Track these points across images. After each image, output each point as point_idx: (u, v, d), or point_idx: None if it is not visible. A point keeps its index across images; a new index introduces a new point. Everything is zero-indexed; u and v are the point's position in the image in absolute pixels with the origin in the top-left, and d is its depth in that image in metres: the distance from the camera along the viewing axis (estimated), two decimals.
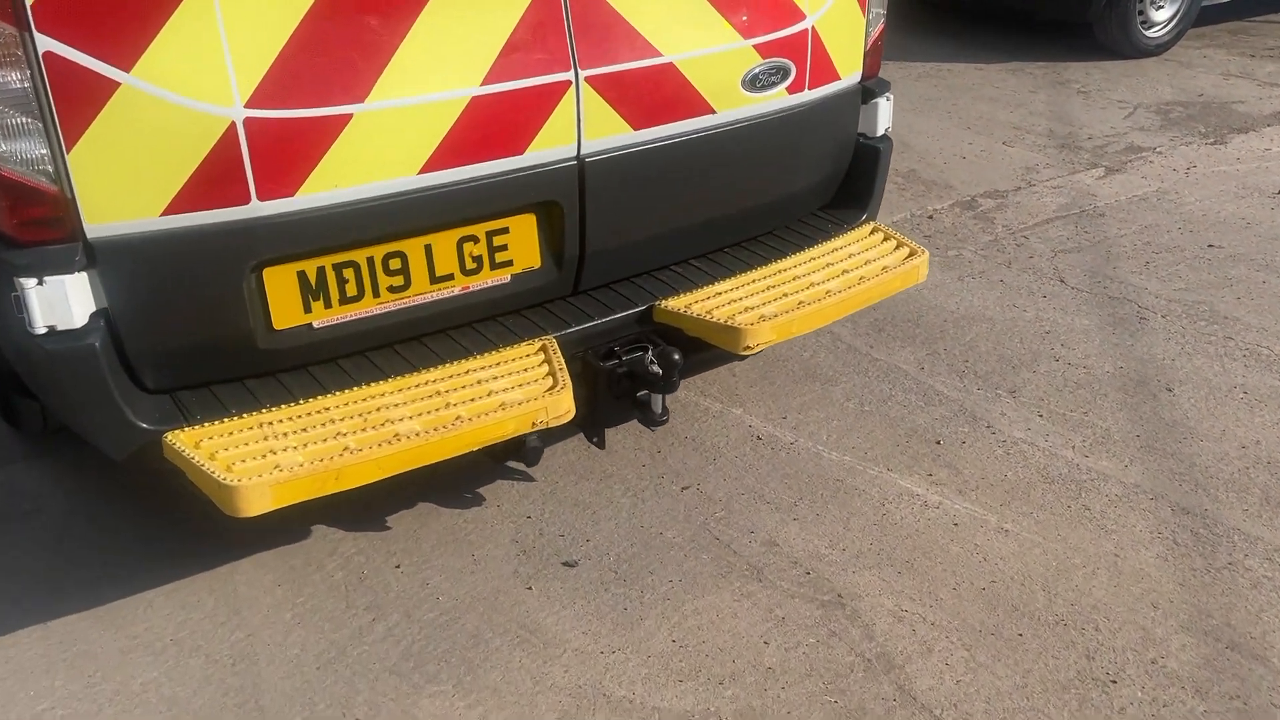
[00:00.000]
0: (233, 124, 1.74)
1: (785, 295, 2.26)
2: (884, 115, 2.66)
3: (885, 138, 2.69)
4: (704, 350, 2.22)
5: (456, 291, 2.10)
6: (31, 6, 1.58)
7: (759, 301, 2.23)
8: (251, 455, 1.77)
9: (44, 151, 1.66)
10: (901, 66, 5.96)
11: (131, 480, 2.51)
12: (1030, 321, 3.28)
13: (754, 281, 2.31)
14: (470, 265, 2.09)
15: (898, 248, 2.50)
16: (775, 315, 2.17)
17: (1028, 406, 2.83)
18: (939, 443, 2.68)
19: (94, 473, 2.58)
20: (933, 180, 4.41)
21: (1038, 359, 3.07)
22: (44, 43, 1.60)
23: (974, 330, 3.23)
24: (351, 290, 1.98)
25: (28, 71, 1.61)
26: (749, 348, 2.16)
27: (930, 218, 4.06)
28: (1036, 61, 6.07)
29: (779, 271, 2.37)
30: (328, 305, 1.97)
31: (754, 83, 2.28)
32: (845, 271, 2.36)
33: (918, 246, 2.48)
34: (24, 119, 1.64)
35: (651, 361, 2.15)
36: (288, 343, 1.96)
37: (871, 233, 2.58)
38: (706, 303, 2.23)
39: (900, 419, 2.78)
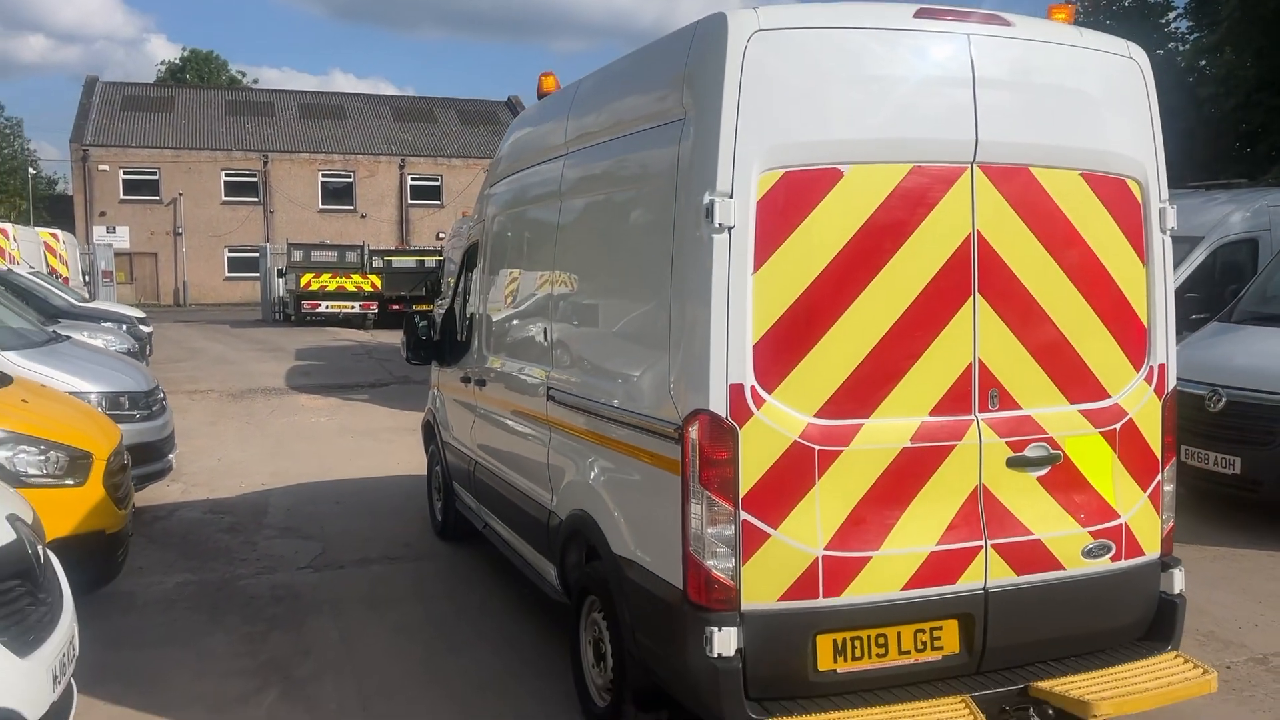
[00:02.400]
0: (817, 558, 3.49)
1: (1119, 686, 3.59)
2: (1178, 580, 4.05)
3: (1181, 595, 4.06)
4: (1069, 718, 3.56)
5: (911, 661, 3.62)
6: (741, 497, 3.46)
7: (1102, 688, 3.57)
8: None
9: (731, 565, 3.46)
10: (1197, 549, 7.12)
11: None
12: None
13: (1099, 677, 3.67)
14: (920, 646, 3.62)
15: (1194, 667, 3.78)
16: (1113, 697, 3.51)
17: None
18: None
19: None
20: (1228, 640, 5.48)
21: None
22: (744, 515, 3.46)
23: None
24: (857, 653, 3.56)
25: (733, 529, 3.46)
26: (1095, 715, 3.48)
27: (1228, 667, 5.12)
28: None
29: (1114, 674, 3.71)
30: (845, 660, 3.55)
31: (1089, 553, 3.81)
32: (1158, 676, 3.67)
33: (1209, 667, 3.75)
34: (727, 550, 3.46)
35: (1034, 717, 3.52)
36: (824, 679, 3.53)
37: (1175, 657, 3.87)
38: (1067, 686, 3.59)
39: None
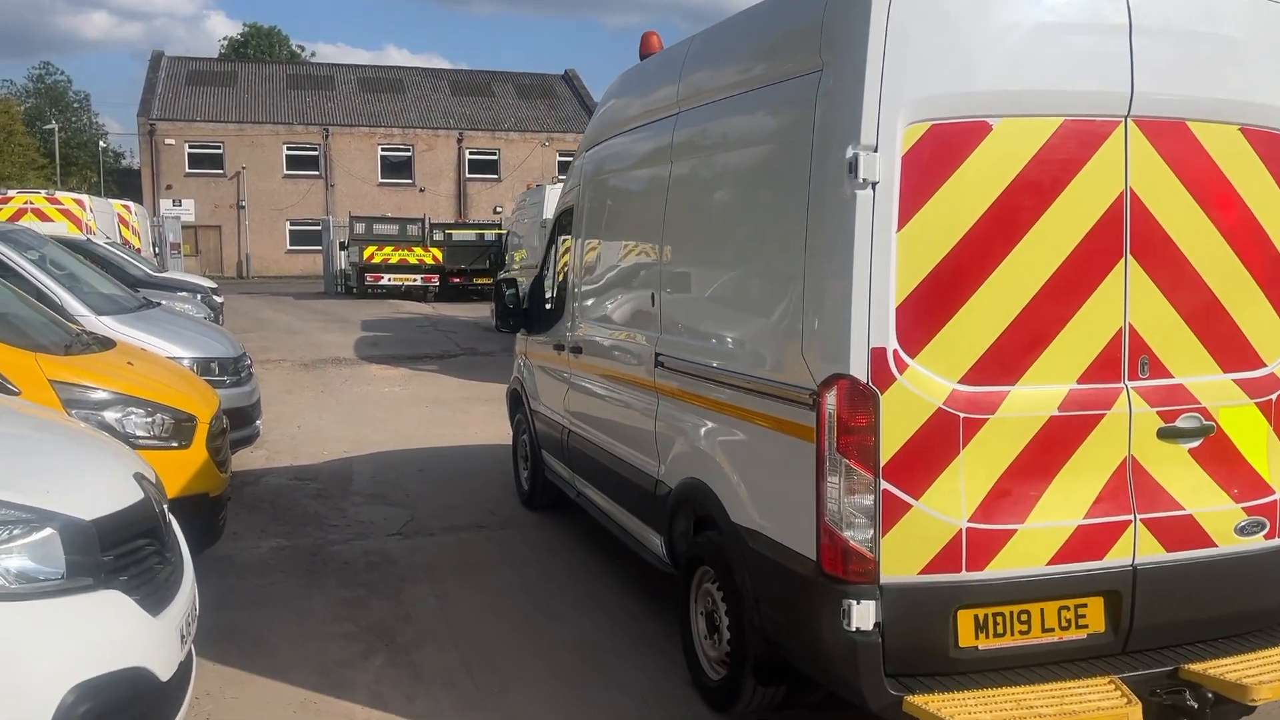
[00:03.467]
0: (960, 530, 3.34)
1: (1275, 669, 3.40)
2: None
3: None
4: (1225, 703, 3.38)
5: (1054, 639, 3.46)
6: (882, 466, 3.32)
7: (1260, 671, 3.39)
8: (962, 713, 3.15)
9: (869, 536, 3.33)
10: None
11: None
12: None
13: (1256, 659, 3.48)
14: (1064, 624, 3.47)
15: None
16: (1273, 680, 3.32)
17: None
18: None
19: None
20: None
21: None
22: (884, 484, 3.32)
23: None
24: (999, 630, 3.41)
25: (872, 499, 3.32)
26: (1254, 700, 3.30)
27: None
28: None
29: (1271, 657, 3.52)
30: (987, 637, 3.40)
31: (1242, 530, 3.62)
32: None
33: None
34: (865, 520, 3.33)
35: (1189, 701, 3.34)
36: (965, 656, 3.39)
37: None
38: (1221, 669, 3.42)
39: None
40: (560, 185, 20.06)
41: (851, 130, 3.28)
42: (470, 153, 48.84)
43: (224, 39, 72.39)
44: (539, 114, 51.09)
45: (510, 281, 7.19)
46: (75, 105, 63.24)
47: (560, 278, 6.74)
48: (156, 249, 28.48)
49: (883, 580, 3.33)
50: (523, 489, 7.61)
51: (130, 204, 25.57)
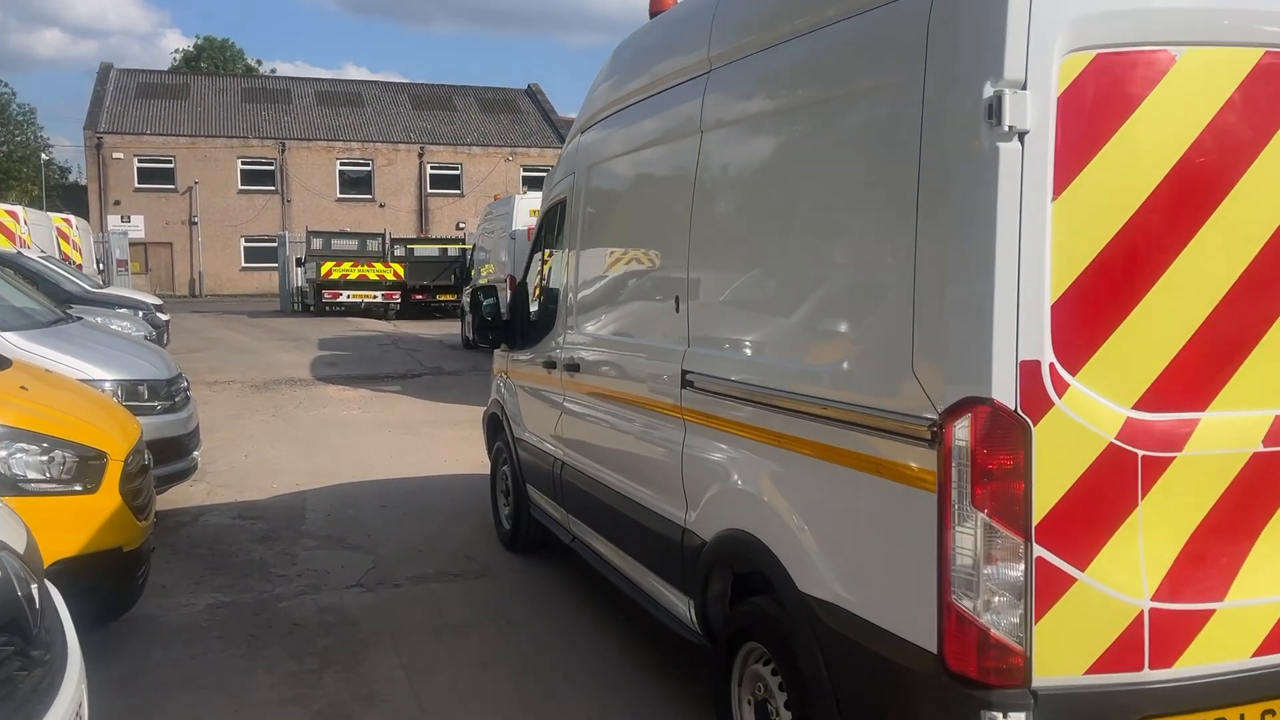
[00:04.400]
0: (1141, 612, 2.43)
1: None
2: None
3: None
4: None
5: None
6: (1035, 524, 2.40)
7: None
8: None
9: (1017, 621, 2.40)
10: None
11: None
12: None
13: None
14: None
15: None
16: None
17: None
18: None
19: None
20: None
21: None
22: (1038, 550, 2.40)
23: None
24: None
25: (1021, 569, 2.40)
26: None
27: None
28: None
29: None
30: None
31: None
32: None
33: None
34: (1012, 600, 2.41)
35: None
36: None
37: None
38: None
39: None
40: (530, 196, 19.23)
41: (991, 61, 2.37)
42: (432, 167, 47.68)
43: (176, 51, 70.45)
44: (502, 128, 50.09)
45: (488, 289, 6.21)
46: (19, 119, 61.19)
47: (549, 284, 5.79)
48: (101, 266, 27.12)
49: (1037, 683, 2.40)
50: (503, 528, 6.61)
51: (71, 217, 24.28)
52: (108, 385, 6.39)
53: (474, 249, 22.40)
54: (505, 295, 6.21)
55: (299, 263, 33.24)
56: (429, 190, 47.64)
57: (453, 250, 31.27)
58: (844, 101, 2.95)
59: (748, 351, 3.46)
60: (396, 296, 30.56)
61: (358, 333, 24.80)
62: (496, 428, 6.70)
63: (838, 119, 2.98)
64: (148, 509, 4.85)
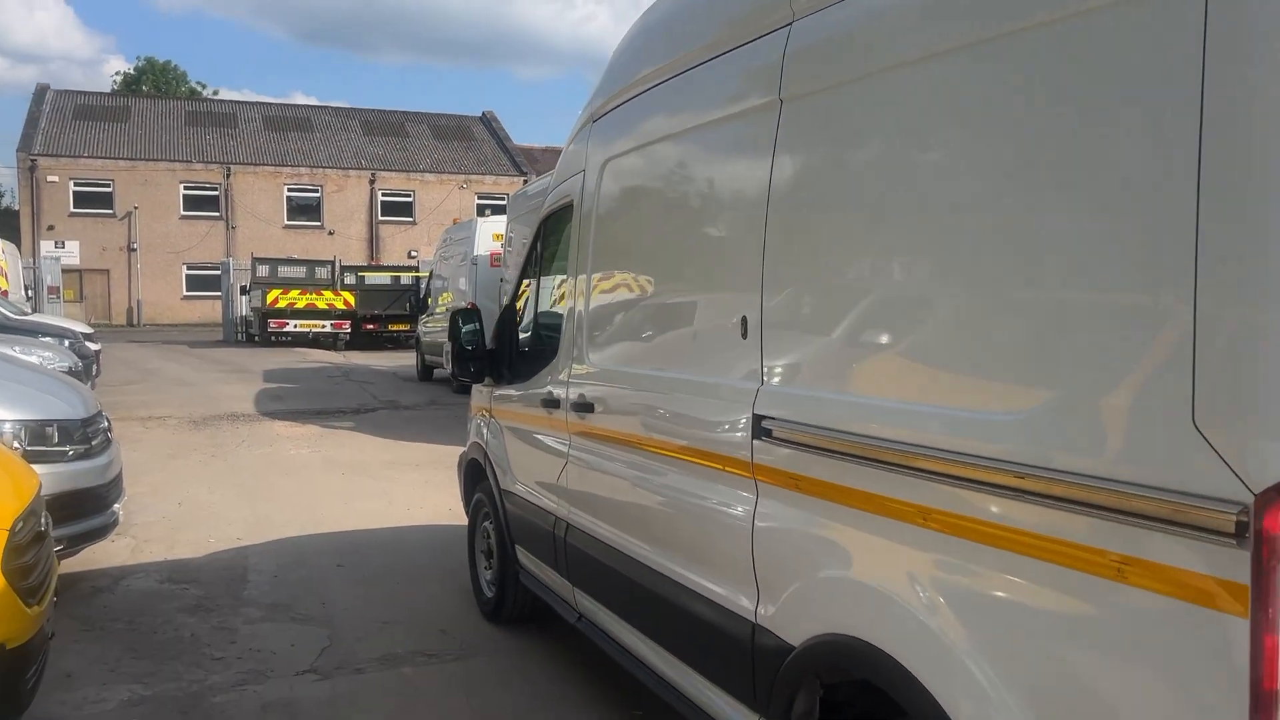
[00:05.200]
0: None
1: None
2: None
3: None
4: None
5: None
6: None
7: None
8: None
9: None
10: None
11: None
12: None
13: None
14: None
15: None
16: None
17: None
18: None
19: None
20: None
21: None
22: None
23: None
24: None
25: None
26: None
27: None
28: None
29: None
30: None
31: None
32: None
33: None
34: None
35: None
36: None
37: None
38: None
39: None
40: (493, 220, 18.27)
41: None
42: (383, 194, 46.45)
43: (116, 74, 68.42)
44: (456, 155, 49.07)
45: (468, 313, 5.25)
46: None
47: (547, 307, 4.87)
48: (30, 293, 25.59)
49: None
50: (484, 595, 5.61)
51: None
52: (7, 428, 5.31)
53: (430, 276, 21.35)
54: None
55: (244, 290, 31.92)
56: (380, 217, 46.38)
57: (405, 278, 30.22)
58: (1044, 30, 2.06)
59: (868, 391, 2.54)
60: (347, 326, 29.34)
61: (306, 364, 23.56)
62: (476, 476, 5.72)
63: (1034, 52, 2.08)
64: (43, 589, 3.79)
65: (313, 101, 53.60)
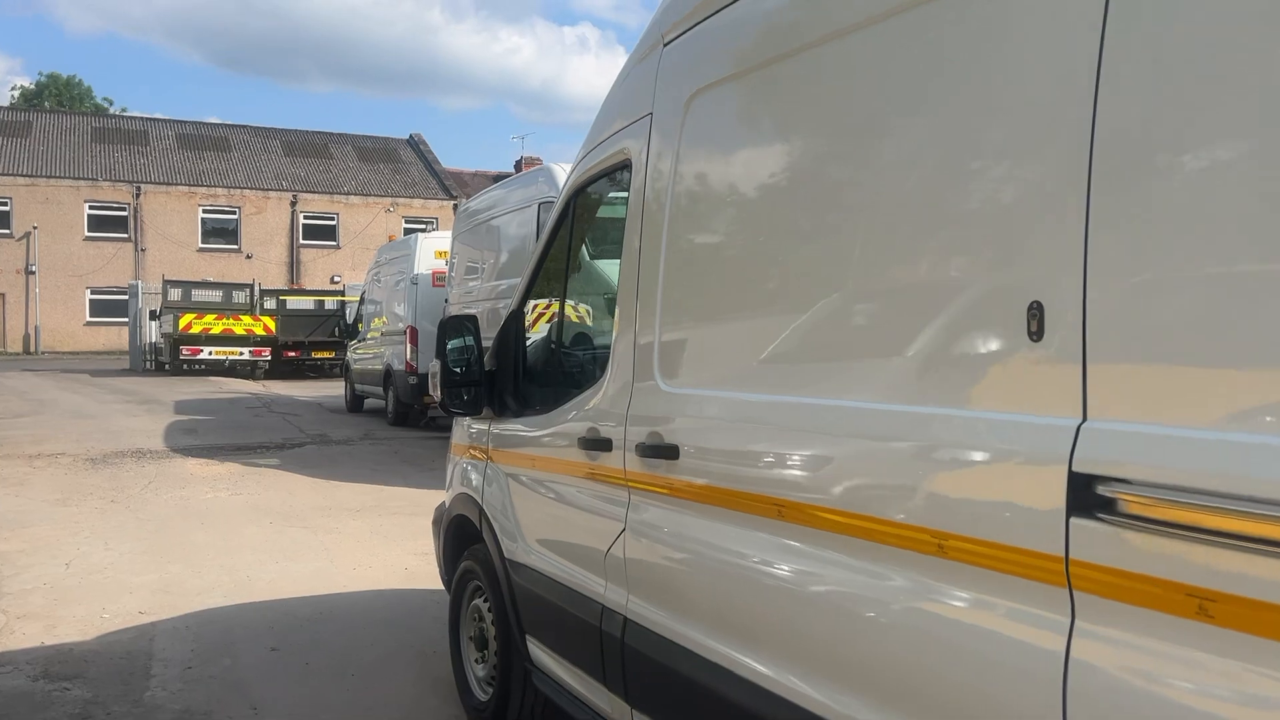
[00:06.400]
0: None
1: None
2: None
3: None
4: None
5: None
6: None
7: None
8: None
9: None
10: None
11: None
12: None
13: None
14: None
15: None
16: None
17: None
18: None
19: None
20: None
21: None
22: None
23: None
24: None
25: None
26: None
27: None
28: None
29: None
30: None
31: None
32: None
33: None
34: None
35: None
36: None
37: None
38: None
39: None
40: (436, 235, 16.82)
41: None
42: (305, 216, 44.38)
43: (15, 88, 64.90)
44: (382, 178, 47.28)
45: (460, 321, 3.92)
46: None
47: (584, 308, 3.56)
48: None
49: None
50: (475, 696, 4.22)
51: None
52: None
53: (361, 300, 19.74)
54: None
55: (154, 315, 29.81)
56: (302, 241, 44.30)
57: (331, 303, 28.49)
58: None
59: None
60: (266, 353, 27.45)
61: (222, 393, 21.68)
62: (464, 538, 4.36)
63: None
64: None
65: (231, 120, 51.06)
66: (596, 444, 3.15)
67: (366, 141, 50.17)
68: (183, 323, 26.97)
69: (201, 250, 42.54)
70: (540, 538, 3.63)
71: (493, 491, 4.02)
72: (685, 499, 2.73)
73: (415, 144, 51.14)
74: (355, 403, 18.62)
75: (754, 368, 2.53)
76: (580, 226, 3.64)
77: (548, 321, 3.98)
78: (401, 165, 48.91)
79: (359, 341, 18.75)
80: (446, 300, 14.01)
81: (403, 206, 45.39)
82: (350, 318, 21.30)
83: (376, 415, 17.25)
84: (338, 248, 44.35)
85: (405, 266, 15.83)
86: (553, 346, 3.85)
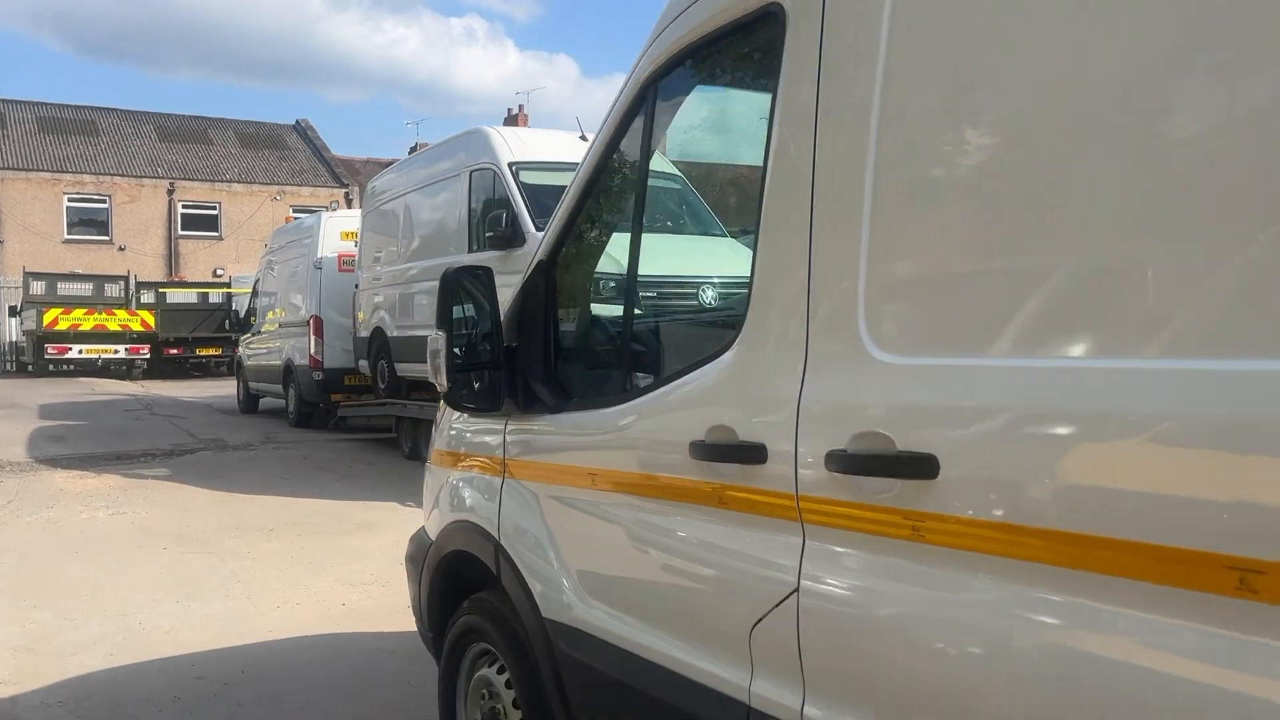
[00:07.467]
0: None
1: None
2: None
3: None
4: None
5: None
6: None
7: None
8: None
9: None
10: None
11: None
12: None
13: None
14: None
15: None
16: None
17: None
18: None
19: None
20: None
21: None
22: None
23: None
24: None
25: None
26: None
27: None
28: None
29: None
30: None
31: None
32: None
33: None
34: None
35: None
36: None
37: None
38: None
39: None
40: (342, 214, 15.26)
41: None
42: (184, 206, 41.43)
43: None
44: (268, 165, 44.59)
45: (467, 277, 2.73)
46: None
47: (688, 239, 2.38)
48: None
49: None
50: None
51: None
52: None
53: (254, 291, 17.95)
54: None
55: (14, 312, 27.15)
56: (180, 232, 41.35)
57: (216, 295, 26.39)
58: None
59: None
60: (144, 351, 25.23)
61: (95, 395, 19.57)
62: (462, 582, 3.15)
63: None
64: None
65: (99, 104, 47.42)
66: (733, 451, 2.00)
67: (249, 127, 47.33)
68: (48, 319, 24.53)
69: (68, 242, 39.27)
70: (611, 592, 2.46)
71: (518, 519, 2.81)
72: (945, 546, 1.61)
73: (302, 130, 48.54)
74: (250, 403, 16.91)
75: (1120, 317, 1.42)
76: (664, 124, 2.48)
77: (605, 270, 2.79)
78: (288, 152, 46.30)
79: (253, 335, 17.01)
80: (357, 286, 12.57)
81: (290, 195, 42.85)
82: (242, 310, 19.45)
83: (276, 416, 15.61)
84: (221, 239, 41.60)
85: (306, 252, 14.25)
86: (618, 302, 2.65)
